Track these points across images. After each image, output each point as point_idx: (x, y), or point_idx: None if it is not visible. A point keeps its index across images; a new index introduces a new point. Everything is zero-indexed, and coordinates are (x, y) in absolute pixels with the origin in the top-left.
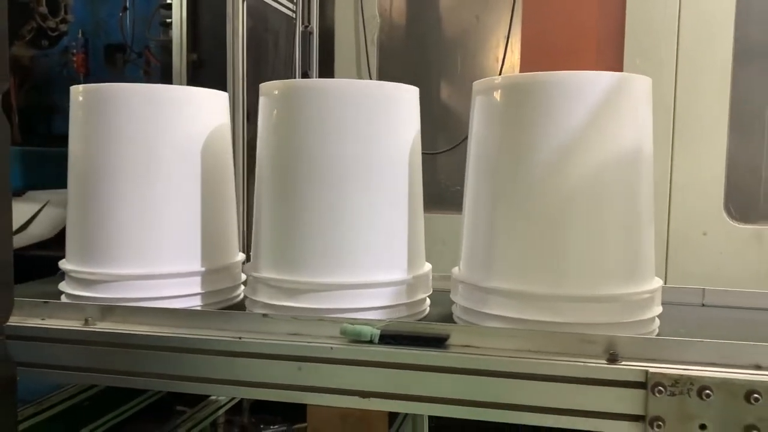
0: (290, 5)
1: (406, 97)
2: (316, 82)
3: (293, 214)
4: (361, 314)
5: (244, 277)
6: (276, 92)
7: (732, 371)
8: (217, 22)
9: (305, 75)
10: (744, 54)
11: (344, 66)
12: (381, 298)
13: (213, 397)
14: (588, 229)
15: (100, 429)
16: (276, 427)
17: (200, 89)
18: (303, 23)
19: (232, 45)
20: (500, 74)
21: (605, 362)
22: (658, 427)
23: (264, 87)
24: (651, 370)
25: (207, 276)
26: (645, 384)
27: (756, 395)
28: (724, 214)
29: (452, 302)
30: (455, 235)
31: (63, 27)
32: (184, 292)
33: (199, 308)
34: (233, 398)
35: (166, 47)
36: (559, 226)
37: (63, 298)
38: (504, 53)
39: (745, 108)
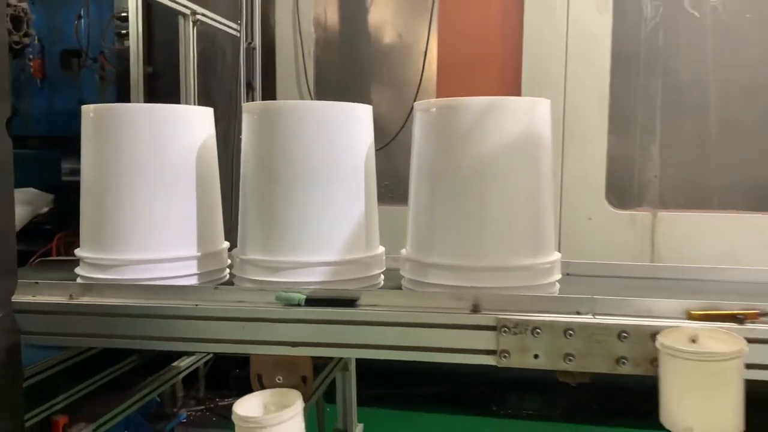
0: (235, 25)
1: (361, 114)
2: (289, 103)
3: (273, 209)
4: (330, 285)
5: (229, 261)
6: (257, 111)
7: (555, 316)
8: (170, 37)
9: (249, 86)
10: (619, 67)
11: (285, 77)
12: (344, 273)
13: (174, 363)
14: (502, 216)
15: (72, 398)
16: (229, 399)
17: (196, 108)
18: (247, 40)
19: (184, 63)
20: (419, 84)
21: (469, 312)
22: (505, 357)
23: (246, 106)
24: (499, 316)
25: (201, 260)
26: (496, 327)
27: (570, 331)
28: (606, 202)
29: (401, 276)
30: (383, 222)
31: (26, 40)
32: (183, 273)
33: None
34: (191, 366)
35: (121, 55)
36: (481, 213)
37: (78, 280)
38: (423, 65)
39: (621, 113)
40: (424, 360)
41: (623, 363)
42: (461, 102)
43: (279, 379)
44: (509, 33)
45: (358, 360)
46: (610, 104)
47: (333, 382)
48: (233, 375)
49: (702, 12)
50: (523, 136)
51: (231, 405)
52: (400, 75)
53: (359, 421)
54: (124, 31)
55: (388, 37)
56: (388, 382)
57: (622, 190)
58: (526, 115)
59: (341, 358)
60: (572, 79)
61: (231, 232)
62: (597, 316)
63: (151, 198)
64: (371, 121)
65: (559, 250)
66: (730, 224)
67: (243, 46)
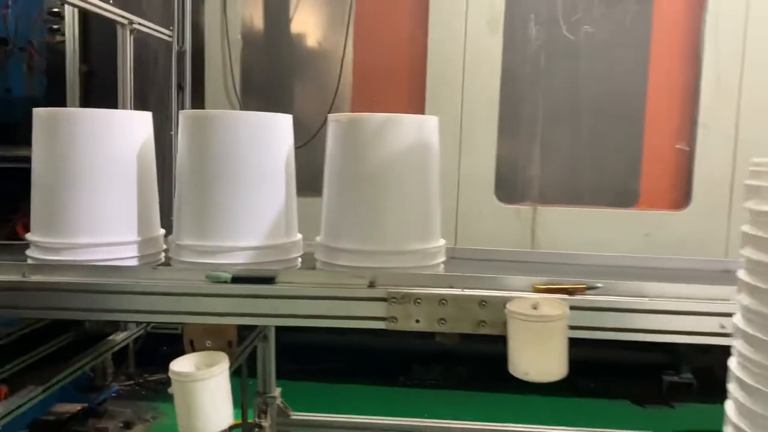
0: (168, 31)
1: (282, 123)
2: (221, 112)
3: (205, 202)
4: (254, 266)
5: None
6: (192, 117)
7: (433, 289)
8: (106, 38)
9: (179, 87)
10: (508, 81)
11: (213, 80)
12: (266, 255)
13: (110, 337)
14: (397, 209)
15: (12, 370)
16: (158, 375)
17: (137, 113)
18: (178, 45)
19: (122, 68)
20: (337, 88)
21: (366, 287)
22: (393, 322)
23: (183, 113)
24: (389, 290)
25: (141, 244)
26: (386, 298)
27: (444, 301)
28: (495, 197)
29: (316, 259)
30: (305, 211)
31: None
32: (124, 255)
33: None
34: (123, 342)
35: (51, 48)
36: (379, 207)
37: (29, 261)
38: (340, 72)
39: (509, 121)
40: (329, 326)
41: (483, 325)
42: (365, 117)
43: (208, 344)
44: (416, 47)
45: (279, 338)
46: (499, 113)
47: (255, 356)
48: (161, 352)
49: (576, 36)
50: (414, 145)
51: (159, 380)
52: (321, 79)
53: (277, 387)
54: (56, 26)
55: (310, 43)
56: (306, 359)
57: (508, 187)
58: (417, 128)
59: (262, 330)
60: (468, 90)
61: (167, 221)
62: (464, 290)
63: (96, 190)
64: (291, 128)
65: (455, 238)
66: (596, 218)
67: (174, 50)
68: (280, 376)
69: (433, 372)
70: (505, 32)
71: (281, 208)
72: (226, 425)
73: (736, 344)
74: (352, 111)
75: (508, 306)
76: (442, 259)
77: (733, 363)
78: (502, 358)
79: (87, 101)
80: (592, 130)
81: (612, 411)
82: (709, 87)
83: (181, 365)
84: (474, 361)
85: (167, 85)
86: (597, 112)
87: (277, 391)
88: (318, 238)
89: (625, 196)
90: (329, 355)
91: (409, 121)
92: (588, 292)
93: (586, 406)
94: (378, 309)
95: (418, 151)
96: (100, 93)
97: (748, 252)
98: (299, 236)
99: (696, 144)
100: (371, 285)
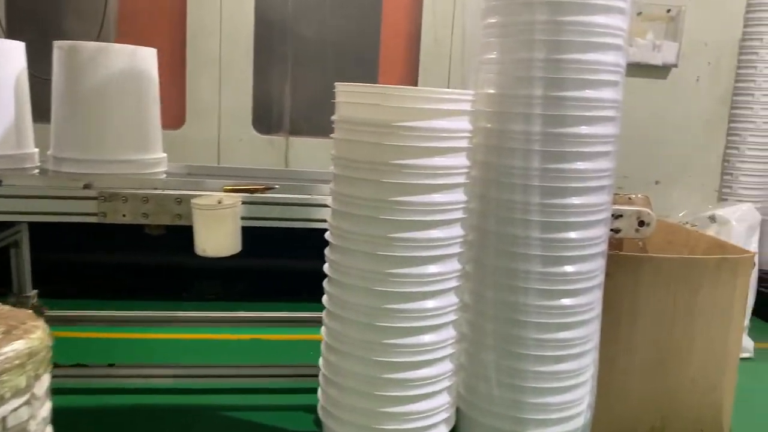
0: None
1: (12, 47)
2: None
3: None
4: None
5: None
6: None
7: (138, 190)
8: None
9: None
10: (261, 24)
11: None
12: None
13: None
14: (115, 121)
15: None
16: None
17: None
18: None
19: None
20: (102, 24)
21: (82, 188)
22: (104, 216)
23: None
24: (101, 191)
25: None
26: (97, 197)
27: (145, 198)
28: (252, 128)
29: (47, 169)
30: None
31: None
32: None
33: None
34: None
35: None
36: (98, 120)
37: None
38: (105, 9)
39: (263, 61)
40: (48, 222)
41: (178, 218)
42: (82, 44)
43: None
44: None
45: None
46: (254, 54)
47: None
48: None
49: None
50: (128, 70)
51: None
52: (87, 13)
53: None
54: None
55: None
56: (88, 281)
57: (264, 119)
58: (131, 56)
59: (16, 238)
60: (225, 34)
61: None
62: (165, 190)
63: None
64: (22, 54)
65: (218, 161)
66: None
67: None
68: (60, 297)
69: (214, 286)
70: None
71: (10, 124)
72: None
73: None
74: None
75: (193, 201)
76: (163, 168)
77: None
78: (281, 272)
79: None
80: (335, 70)
81: None
82: (429, 37)
83: None
84: (253, 275)
85: None
86: (339, 55)
87: (33, 293)
88: (49, 152)
89: None
90: (111, 275)
91: (121, 50)
92: (267, 191)
93: None
94: (91, 206)
95: (133, 76)
96: None
97: None
98: (35, 150)
99: (419, 84)
100: (86, 186)
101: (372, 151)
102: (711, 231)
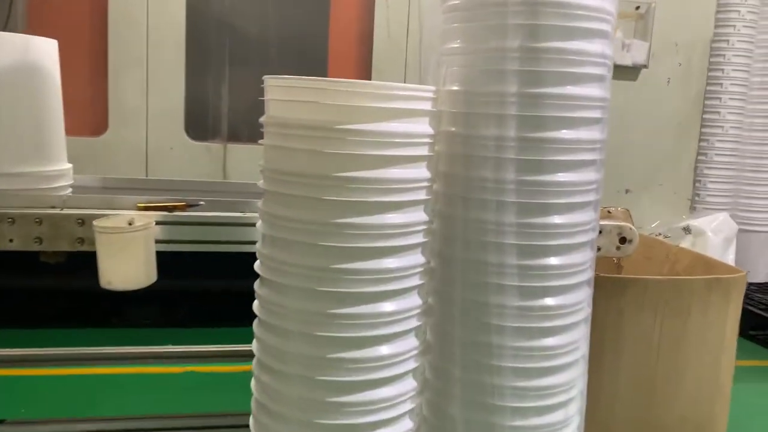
0: None
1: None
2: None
3: None
4: None
5: None
6: None
7: (30, 210)
8: None
9: None
10: (194, 19)
11: None
12: None
13: None
14: (10, 133)
15: None
16: None
17: None
18: None
19: None
20: (9, 14)
21: None
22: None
23: None
24: None
25: None
26: None
27: (38, 220)
28: (185, 135)
29: None
30: None
31: None
32: None
33: None
34: None
35: None
36: None
37: None
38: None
39: (196, 60)
40: None
41: (80, 243)
42: None
43: None
44: None
45: None
46: (186, 53)
47: None
48: None
49: None
50: (20, 64)
51: None
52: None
53: None
54: None
55: None
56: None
57: (198, 125)
58: (22, 47)
59: None
60: (153, 29)
61: None
62: (65, 209)
63: None
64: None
65: (146, 172)
66: None
67: None
68: None
69: (149, 311)
70: None
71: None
72: None
73: None
74: None
75: (95, 222)
76: (67, 182)
77: None
78: (225, 294)
79: None
80: (279, 70)
81: None
82: (382, 32)
83: None
84: (193, 299)
85: None
86: (283, 53)
87: None
88: None
89: None
90: (34, 298)
91: (10, 40)
92: (188, 208)
93: None
94: None
95: (27, 71)
96: None
97: None
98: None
99: None
100: None
101: (309, 161)
102: (685, 243)
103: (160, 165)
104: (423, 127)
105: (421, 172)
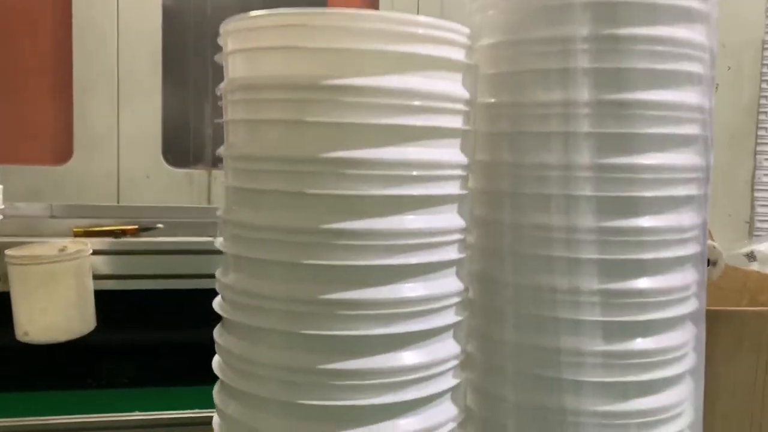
0: None
1: None
2: None
3: None
4: None
5: None
6: None
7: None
8: None
9: None
10: (173, 35)
11: None
12: None
13: None
14: None
15: None
16: None
17: None
18: None
19: None
20: None
21: None
22: None
23: None
24: None
25: None
26: None
27: None
28: (163, 161)
29: None
30: None
31: None
32: None
33: None
34: None
35: None
36: None
37: None
38: None
39: (175, 78)
40: None
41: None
42: None
43: None
44: None
45: None
46: (163, 65)
47: None
48: None
49: None
50: None
51: None
52: None
53: None
54: None
55: None
56: None
57: (178, 150)
58: None
59: None
60: (126, 33)
61: None
62: None
63: None
64: None
65: (117, 201)
66: None
67: None
68: None
69: (126, 368)
70: None
71: None
72: None
73: None
74: None
75: (7, 252)
76: None
77: None
78: (202, 349)
79: None
80: None
81: None
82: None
83: None
84: (176, 353)
85: None
86: None
87: None
88: None
89: None
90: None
91: None
92: (141, 233)
93: None
94: None
95: None
96: None
97: None
98: None
99: None
100: None
101: (286, 137)
102: None
103: (134, 196)
104: (455, 86)
105: (453, 153)
